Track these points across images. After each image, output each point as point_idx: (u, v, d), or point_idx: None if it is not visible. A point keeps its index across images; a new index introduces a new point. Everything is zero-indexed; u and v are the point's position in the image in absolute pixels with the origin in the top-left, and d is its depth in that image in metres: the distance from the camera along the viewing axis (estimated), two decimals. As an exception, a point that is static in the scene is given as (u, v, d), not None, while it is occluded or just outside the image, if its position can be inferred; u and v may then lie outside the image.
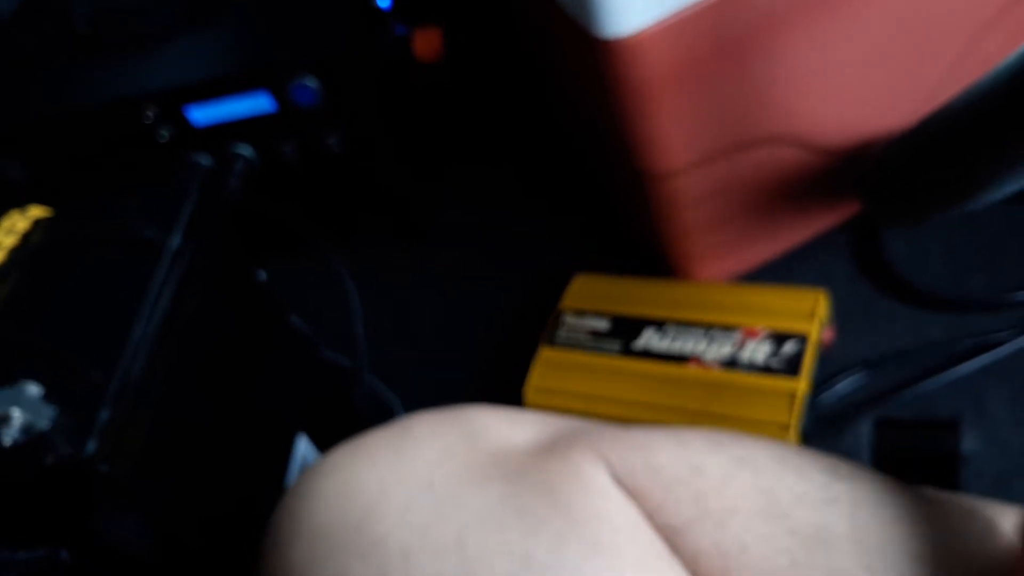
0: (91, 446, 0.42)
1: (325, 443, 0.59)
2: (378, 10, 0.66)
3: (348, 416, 0.63)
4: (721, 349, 0.56)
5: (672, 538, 0.35)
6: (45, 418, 0.41)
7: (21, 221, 0.52)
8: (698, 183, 0.56)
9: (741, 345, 0.55)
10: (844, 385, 0.58)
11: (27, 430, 0.41)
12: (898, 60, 0.55)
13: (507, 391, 0.60)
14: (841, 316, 0.59)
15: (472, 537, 0.33)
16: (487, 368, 0.67)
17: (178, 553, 0.49)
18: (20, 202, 0.54)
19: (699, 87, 0.50)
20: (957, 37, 0.56)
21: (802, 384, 0.53)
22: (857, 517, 0.35)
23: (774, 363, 0.54)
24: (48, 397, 0.42)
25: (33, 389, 0.42)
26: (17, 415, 0.41)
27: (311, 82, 0.62)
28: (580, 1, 0.46)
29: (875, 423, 0.55)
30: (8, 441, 0.41)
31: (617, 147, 0.56)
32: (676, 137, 0.53)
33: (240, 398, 0.55)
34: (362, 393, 0.63)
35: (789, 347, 0.54)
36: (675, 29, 0.47)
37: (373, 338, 0.63)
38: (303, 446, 0.57)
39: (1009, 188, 0.44)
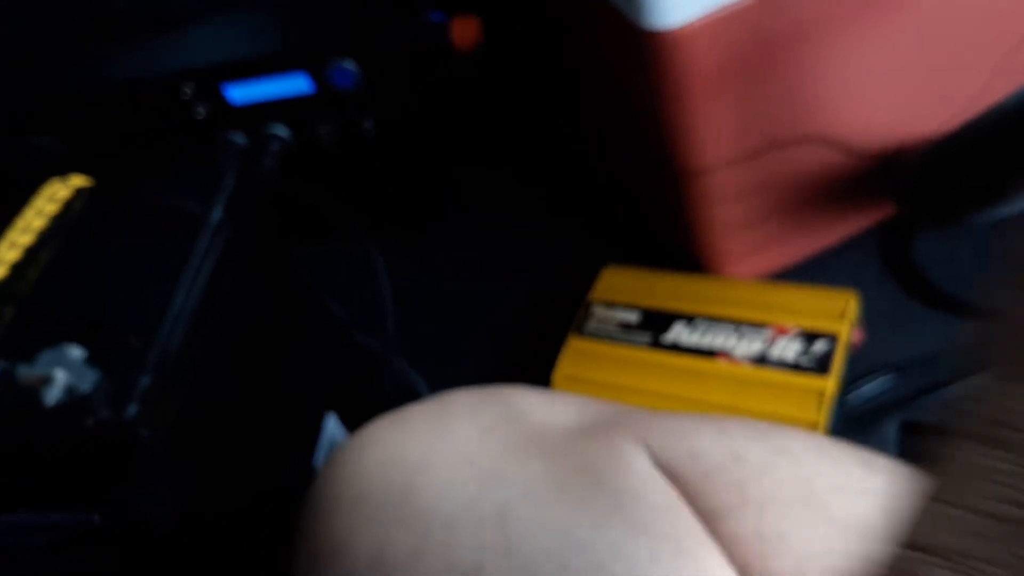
0: (132, 410, 0.42)
1: (354, 424, 0.59)
2: (418, -4, 0.66)
3: (377, 398, 0.64)
4: (751, 345, 0.56)
5: (711, 523, 0.35)
6: (87, 381, 0.42)
7: (62, 189, 0.53)
8: (733, 180, 0.57)
9: (771, 342, 0.56)
10: (872, 387, 0.58)
11: (69, 392, 0.41)
12: (938, 67, 0.55)
13: (536, 380, 0.60)
14: (870, 318, 0.59)
15: (514, 511, 0.33)
16: (515, 357, 0.67)
17: (206, 522, 0.50)
18: (60, 171, 0.55)
19: (741, 83, 0.51)
20: (997, 47, 0.56)
21: (831, 383, 0.53)
22: (893, 509, 0.35)
23: (804, 361, 0.54)
24: (90, 361, 0.43)
25: (76, 352, 0.43)
26: (60, 376, 0.41)
27: (349, 65, 0.63)
28: (629, -8, 0.46)
29: (901, 426, 0.55)
30: (51, 402, 0.41)
31: (655, 142, 0.56)
32: (715, 133, 0.53)
33: (272, 375, 0.55)
34: (391, 376, 0.63)
35: (819, 346, 0.55)
36: (720, 24, 0.47)
37: (403, 323, 0.63)
38: (332, 425, 0.58)
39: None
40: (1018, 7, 0.55)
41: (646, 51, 0.48)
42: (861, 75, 0.54)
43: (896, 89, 0.55)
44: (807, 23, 0.49)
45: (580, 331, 0.61)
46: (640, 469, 0.36)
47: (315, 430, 0.57)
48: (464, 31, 0.67)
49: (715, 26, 0.47)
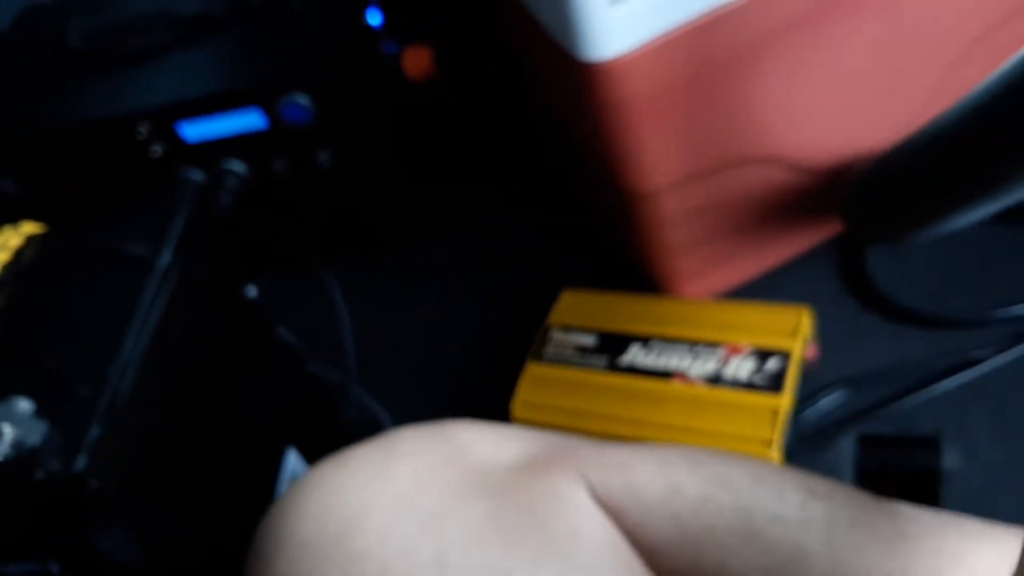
0: (81, 462, 0.42)
1: (314, 457, 0.60)
2: (368, 28, 0.67)
3: (337, 430, 0.64)
4: (705, 365, 0.56)
5: (650, 557, 0.36)
6: (36, 434, 0.42)
7: (14, 237, 0.53)
8: (682, 202, 0.57)
9: (725, 361, 0.56)
10: (827, 402, 0.58)
11: (18, 446, 0.41)
12: (879, 83, 0.56)
13: (495, 406, 0.60)
14: (825, 333, 0.59)
15: (452, 555, 0.34)
16: (475, 383, 0.67)
17: (167, 565, 0.50)
18: (13, 218, 0.55)
19: (682, 109, 0.51)
20: (937, 60, 0.57)
21: (785, 400, 0.53)
22: (832, 537, 0.35)
23: (757, 379, 0.55)
24: (39, 413, 0.43)
25: (24, 405, 0.43)
26: (8, 431, 0.41)
27: (302, 99, 0.63)
28: (564, 25, 0.47)
29: (857, 439, 0.56)
30: (-2, 457, 0.41)
31: (602, 167, 0.57)
32: (659, 158, 0.54)
33: (229, 413, 0.55)
34: (351, 407, 0.64)
35: (772, 364, 0.55)
36: (658, 53, 0.48)
37: (362, 353, 0.64)
38: (292, 460, 0.58)
39: (985, 210, 0.45)
40: (957, 26, 0.55)
41: (585, 81, 0.49)
42: (804, 94, 0.54)
43: (838, 107, 0.56)
44: (744, 48, 0.50)
45: (539, 356, 0.61)
46: (579, 505, 0.36)
47: (276, 465, 0.57)
48: (416, 61, 0.67)
49: (651, 56, 0.47)
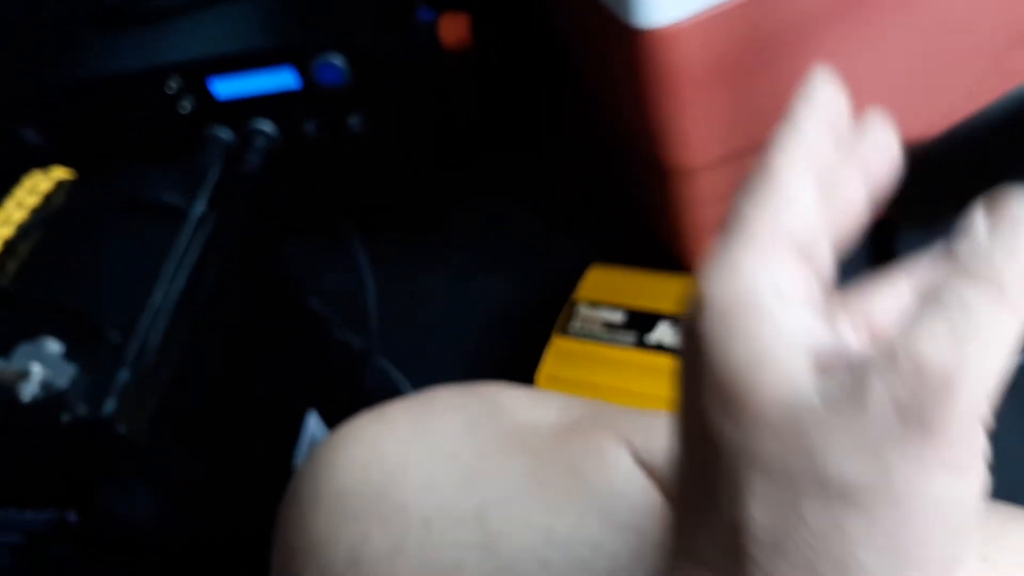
0: (109, 406, 0.41)
1: (334, 422, 0.59)
2: (407, -7, 0.66)
3: (358, 396, 0.63)
4: (735, 346, 0.56)
5: (692, 522, 0.35)
6: (64, 376, 0.41)
7: (44, 181, 0.52)
8: (719, 181, 0.57)
9: (756, 343, 0.55)
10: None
11: (46, 387, 0.41)
12: (928, 69, 0.55)
13: (518, 379, 0.59)
14: (854, 319, 0.59)
15: (494, 509, 0.33)
16: (499, 356, 0.67)
17: (184, 520, 0.49)
18: (42, 164, 0.54)
19: (729, 83, 0.51)
20: (988, 50, 0.56)
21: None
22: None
23: (788, 362, 0.54)
24: (68, 355, 0.42)
25: (54, 346, 0.42)
26: (37, 371, 0.41)
27: (336, 60, 0.62)
28: (618, -10, 0.46)
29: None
30: (27, 397, 0.40)
31: (642, 140, 0.56)
32: (702, 133, 0.53)
33: (253, 371, 0.55)
34: (372, 374, 0.63)
35: (804, 347, 0.54)
36: (709, 23, 0.47)
37: (386, 321, 0.63)
38: (313, 423, 0.57)
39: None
40: (1007, 12, 0.55)
41: (634, 49, 0.48)
42: (849, 76, 0.53)
43: (884, 90, 0.55)
44: (795, 24, 0.49)
45: (564, 331, 0.61)
46: (622, 467, 0.35)
47: (296, 428, 0.56)
48: (452, 28, 0.66)
49: (703, 26, 0.47)
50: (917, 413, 0.17)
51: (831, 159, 0.22)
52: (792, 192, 0.21)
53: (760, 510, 0.18)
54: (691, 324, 0.20)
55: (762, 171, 0.22)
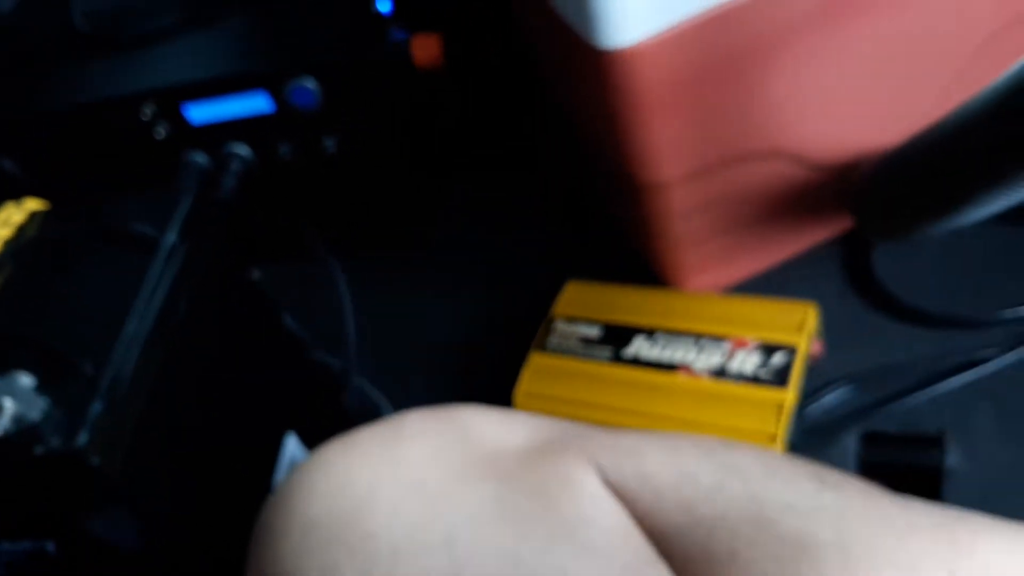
0: (82, 439, 0.41)
1: (314, 443, 0.59)
2: (378, 14, 0.66)
3: (338, 417, 0.63)
4: (710, 359, 0.56)
5: (661, 544, 0.35)
6: (36, 409, 0.41)
7: (16, 213, 0.52)
8: (691, 195, 0.57)
9: (730, 355, 0.56)
10: (831, 398, 0.58)
11: (18, 420, 0.41)
12: (892, 80, 0.56)
13: (497, 396, 0.60)
14: (830, 330, 0.59)
15: (462, 536, 0.33)
16: (477, 373, 0.67)
17: (164, 548, 0.49)
18: (15, 195, 0.55)
19: (696, 100, 0.51)
20: (951, 59, 0.56)
21: (790, 395, 0.53)
22: (844, 526, 0.35)
23: (762, 374, 0.54)
24: (40, 388, 0.42)
25: (25, 380, 0.42)
26: (9, 405, 0.41)
27: (309, 83, 0.63)
28: (580, 11, 0.46)
29: (861, 436, 0.56)
30: (-1, 431, 0.40)
31: (612, 157, 0.56)
32: (671, 148, 0.53)
33: (230, 395, 0.55)
34: (351, 394, 0.63)
35: (778, 358, 0.55)
36: (674, 41, 0.47)
37: (364, 341, 0.63)
38: (292, 445, 0.57)
39: (994, 207, 0.45)
40: (968, 25, 0.55)
41: (600, 68, 0.49)
42: (817, 89, 0.54)
43: (852, 102, 0.56)
44: (759, 40, 0.49)
45: (542, 347, 0.61)
46: (589, 490, 0.36)
47: (275, 450, 0.57)
48: (425, 48, 0.67)
49: (668, 44, 0.47)
50: None
51: None
52: None
53: None
54: None
55: None
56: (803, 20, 0.49)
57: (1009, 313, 0.59)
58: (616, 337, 0.59)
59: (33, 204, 0.53)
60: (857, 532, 0.35)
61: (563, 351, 0.60)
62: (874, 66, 0.54)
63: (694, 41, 0.48)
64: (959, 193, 0.46)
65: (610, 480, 0.37)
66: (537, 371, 0.60)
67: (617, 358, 0.58)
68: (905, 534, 0.35)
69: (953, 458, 0.53)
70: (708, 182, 0.56)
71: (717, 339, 0.57)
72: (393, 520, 0.34)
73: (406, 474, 0.36)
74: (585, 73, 0.51)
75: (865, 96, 0.55)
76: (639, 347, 0.58)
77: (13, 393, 0.41)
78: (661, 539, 0.35)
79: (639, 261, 0.66)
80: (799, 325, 0.56)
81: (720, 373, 0.55)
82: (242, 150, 0.65)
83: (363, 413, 0.64)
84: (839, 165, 0.57)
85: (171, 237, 0.50)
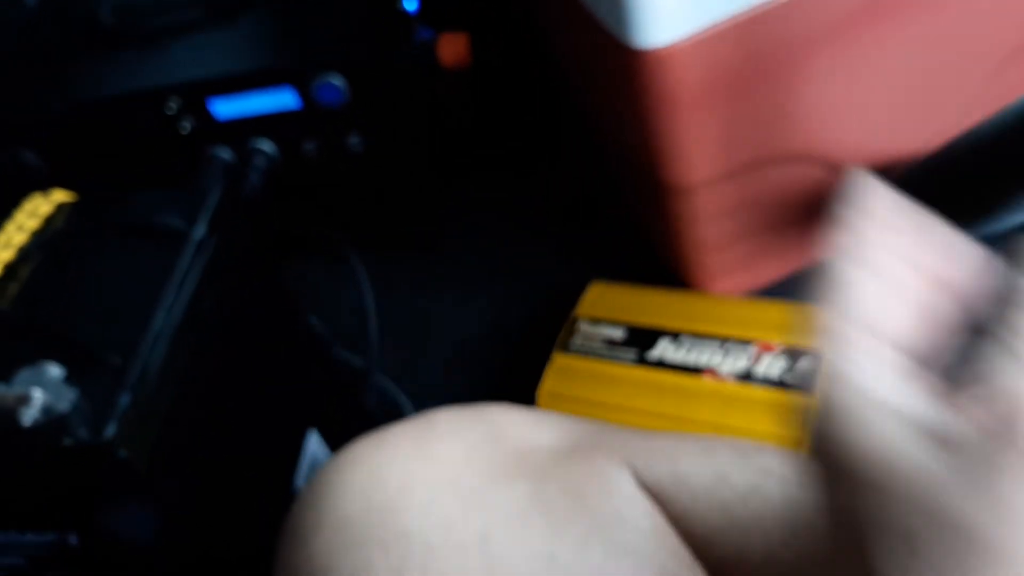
0: (110, 430, 0.41)
1: (335, 441, 0.59)
2: (405, 13, 0.66)
3: (359, 415, 0.63)
4: (736, 362, 0.56)
5: (696, 545, 0.35)
6: (65, 400, 0.41)
7: (44, 205, 0.52)
8: (720, 198, 0.57)
9: (756, 359, 0.55)
10: (857, 404, 0.58)
11: (47, 411, 0.41)
12: (923, 86, 0.55)
13: (519, 397, 0.60)
14: (856, 335, 0.59)
15: (496, 535, 0.33)
16: (499, 373, 0.67)
17: (185, 542, 0.49)
18: (41, 187, 0.54)
19: (728, 102, 0.51)
20: (983, 66, 0.56)
21: (816, 401, 0.53)
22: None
23: (789, 378, 0.54)
24: (69, 379, 0.42)
25: (55, 371, 0.42)
26: (38, 395, 0.41)
27: (336, 80, 0.62)
28: (615, 12, 0.46)
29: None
30: (28, 421, 0.40)
31: (642, 158, 0.56)
32: (702, 150, 0.53)
33: (253, 391, 0.54)
34: (373, 393, 0.63)
35: (804, 363, 0.54)
36: (709, 43, 0.47)
37: (387, 339, 0.63)
38: (314, 443, 0.57)
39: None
40: (1001, 27, 0.55)
41: (633, 69, 0.48)
42: (851, 92, 0.54)
43: (881, 108, 0.55)
44: (792, 43, 0.49)
45: (565, 348, 0.61)
46: (624, 491, 0.35)
47: (297, 447, 0.56)
48: (452, 48, 0.67)
49: (702, 45, 0.47)
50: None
51: (896, 252, 0.24)
52: (858, 293, 0.24)
53: (891, 565, 0.22)
54: (819, 430, 0.25)
55: (828, 281, 0.25)
56: (840, 22, 0.49)
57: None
58: (641, 339, 0.59)
59: (60, 196, 0.53)
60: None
61: (587, 352, 0.60)
62: (908, 70, 0.54)
63: (729, 42, 0.48)
64: (992, 199, 0.46)
65: (644, 481, 0.36)
66: (560, 372, 0.60)
67: (642, 360, 0.58)
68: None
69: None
70: (737, 185, 0.55)
71: (743, 343, 0.56)
72: (426, 518, 0.33)
73: (439, 472, 0.35)
74: (616, 73, 0.51)
75: (898, 100, 0.55)
76: (664, 349, 0.58)
77: (42, 383, 0.41)
78: (696, 541, 0.35)
79: (661, 263, 0.66)
80: (826, 330, 0.55)
81: (746, 377, 0.55)
82: (267, 146, 0.65)
83: (384, 412, 0.64)
84: (869, 170, 0.57)
85: (200, 231, 0.50)
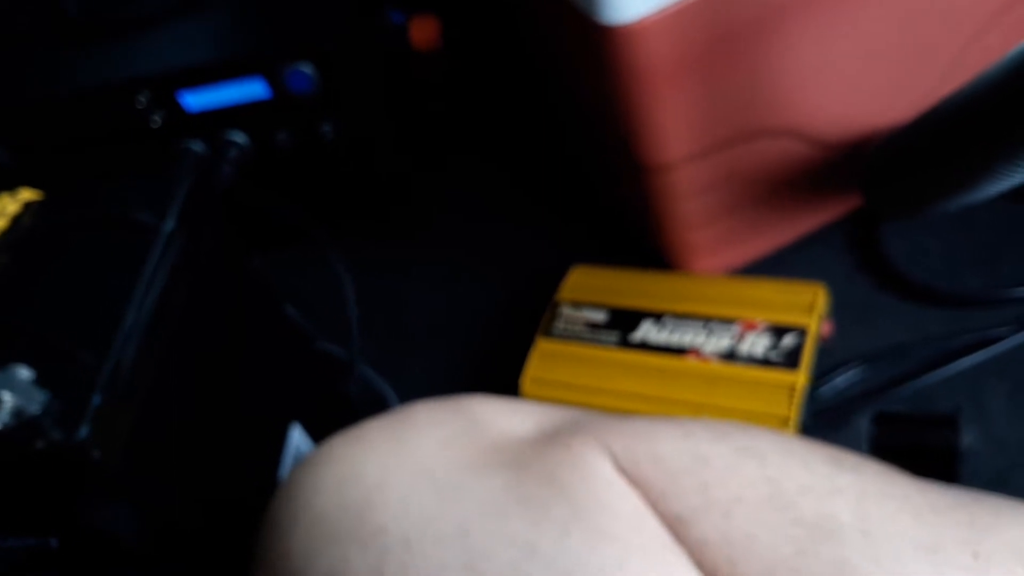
0: (83, 431, 0.41)
1: (319, 434, 0.58)
2: (375, -3, 0.65)
3: (342, 407, 0.63)
4: (720, 342, 0.55)
5: (677, 527, 0.35)
6: (36, 402, 0.40)
7: (11, 204, 0.51)
8: (697, 175, 0.56)
9: (740, 338, 0.55)
10: (843, 379, 0.57)
11: (18, 414, 0.40)
12: (900, 55, 0.55)
13: (503, 383, 0.59)
14: (840, 311, 0.58)
15: (475, 526, 0.33)
16: (483, 360, 0.66)
17: (168, 542, 0.49)
18: (9, 185, 0.54)
19: (701, 77, 0.50)
20: (959, 33, 0.55)
21: (801, 377, 0.52)
22: (863, 507, 0.34)
23: (773, 356, 0.54)
24: (39, 381, 0.41)
25: (24, 373, 0.41)
26: (8, 399, 0.40)
27: (306, 68, 0.61)
28: (584, -13, 0.45)
29: (873, 417, 0.55)
30: (-2, 426, 0.40)
31: (616, 138, 0.55)
32: (676, 128, 0.52)
33: (233, 386, 0.54)
34: (355, 384, 0.62)
35: (788, 340, 0.54)
36: (678, 17, 0.46)
37: (367, 329, 0.62)
38: (297, 436, 0.57)
39: (1004, 184, 0.44)
40: (977, -6, 0.54)
41: (603, 46, 0.48)
42: (822, 65, 0.53)
43: (858, 79, 0.55)
44: (766, 15, 0.48)
45: (548, 333, 0.60)
46: (603, 476, 0.35)
47: (280, 441, 0.56)
48: (423, 31, 0.66)
49: (672, 20, 0.46)
50: None
51: None
52: None
53: None
54: None
55: None
56: (810, -6, 0.48)
57: (1020, 291, 0.58)
58: (623, 321, 0.58)
59: (28, 194, 0.52)
60: (877, 514, 0.34)
61: (569, 336, 0.59)
62: (881, 41, 0.53)
63: (698, 16, 0.47)
64: (969, 169, 0.45)
65: (623, 465, 0.36)
66: (544, 356, 0.59)
67: (625, 343, 0.58)
68: (925, 515, 0.35)
69: (966, 438, 0.53)
70: (715, 162, 0.55)
71: (726, 322, 0.56)
72: (404, 512, 0.33)
73: (415, 465, 0.35)
74: (588, 51, 0.50)
75: (872, 72, 0.54)
76: (647, 331, 0.57)
77: (12, 387, 0.40)
78: (677, 522, 0.35)
79: (642, 244, 0.65)
80: (809, 306, 0.55)
81: (730, 356, 0.55)
82: (239, 137, 0.64)
83: (368, 402, 0.64)
84: (847, 143, 0.57)
85: (170, 224, 0.49)
